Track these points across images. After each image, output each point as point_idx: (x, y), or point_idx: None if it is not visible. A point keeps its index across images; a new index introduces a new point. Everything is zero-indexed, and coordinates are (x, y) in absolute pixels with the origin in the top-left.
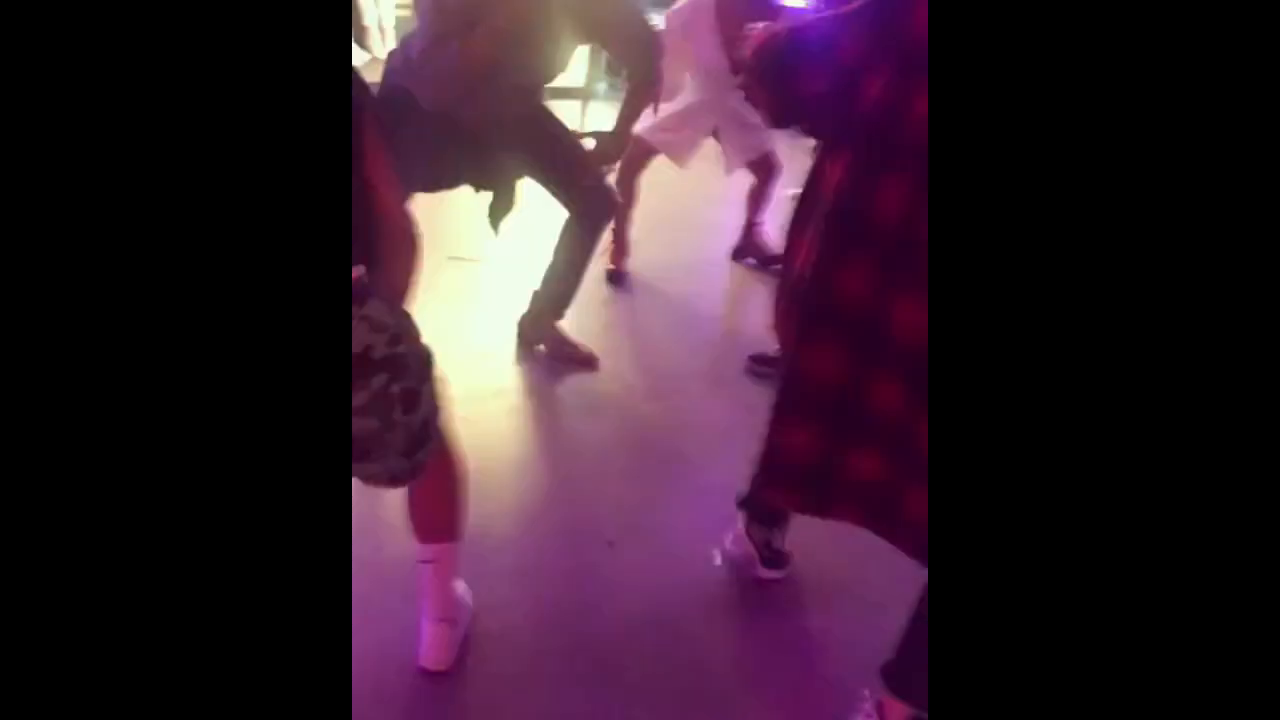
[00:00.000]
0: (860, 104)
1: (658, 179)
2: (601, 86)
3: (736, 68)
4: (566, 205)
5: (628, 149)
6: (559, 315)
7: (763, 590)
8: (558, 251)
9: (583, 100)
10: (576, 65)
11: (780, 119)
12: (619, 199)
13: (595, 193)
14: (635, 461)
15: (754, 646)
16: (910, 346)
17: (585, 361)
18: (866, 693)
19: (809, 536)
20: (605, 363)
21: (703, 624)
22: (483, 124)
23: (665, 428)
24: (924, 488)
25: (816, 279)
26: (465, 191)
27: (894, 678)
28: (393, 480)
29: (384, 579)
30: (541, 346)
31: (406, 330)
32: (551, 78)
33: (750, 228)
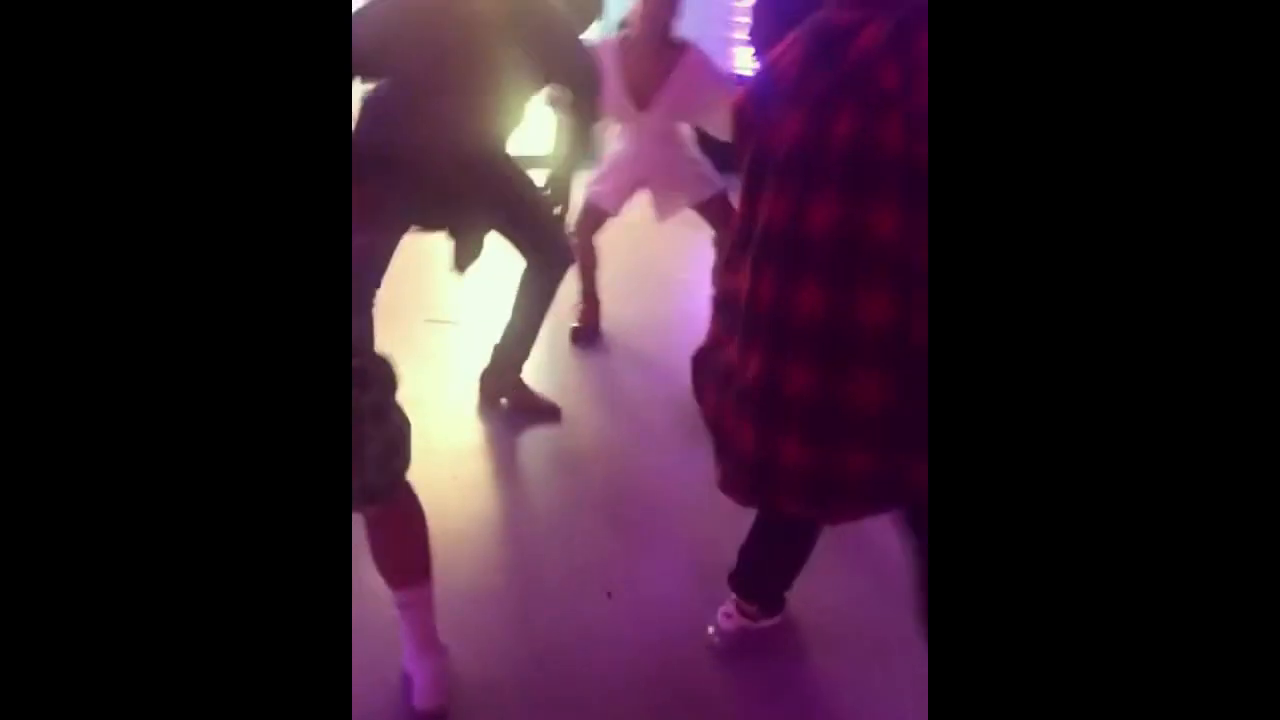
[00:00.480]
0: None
1: (630, 238)
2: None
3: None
4: (526, 255)
5: (579, 210)
6: (520, 367)
7: (760, 636)
8: (517, 304)
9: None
10: (547, 131)
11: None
12: (575, 254)
13: (554, 243)
14: (620, 515)
15: (755, 691)
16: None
17: (548, 413)
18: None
19: (804, 581)
20: (584, 420)
21: (701, 671)
22: (450, 173)
23: (649, 482)
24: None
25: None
26: (441, 255)
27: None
28: (371, 498)
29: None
30: (504, 400)
31: (365, 342)
32: (514, 125)
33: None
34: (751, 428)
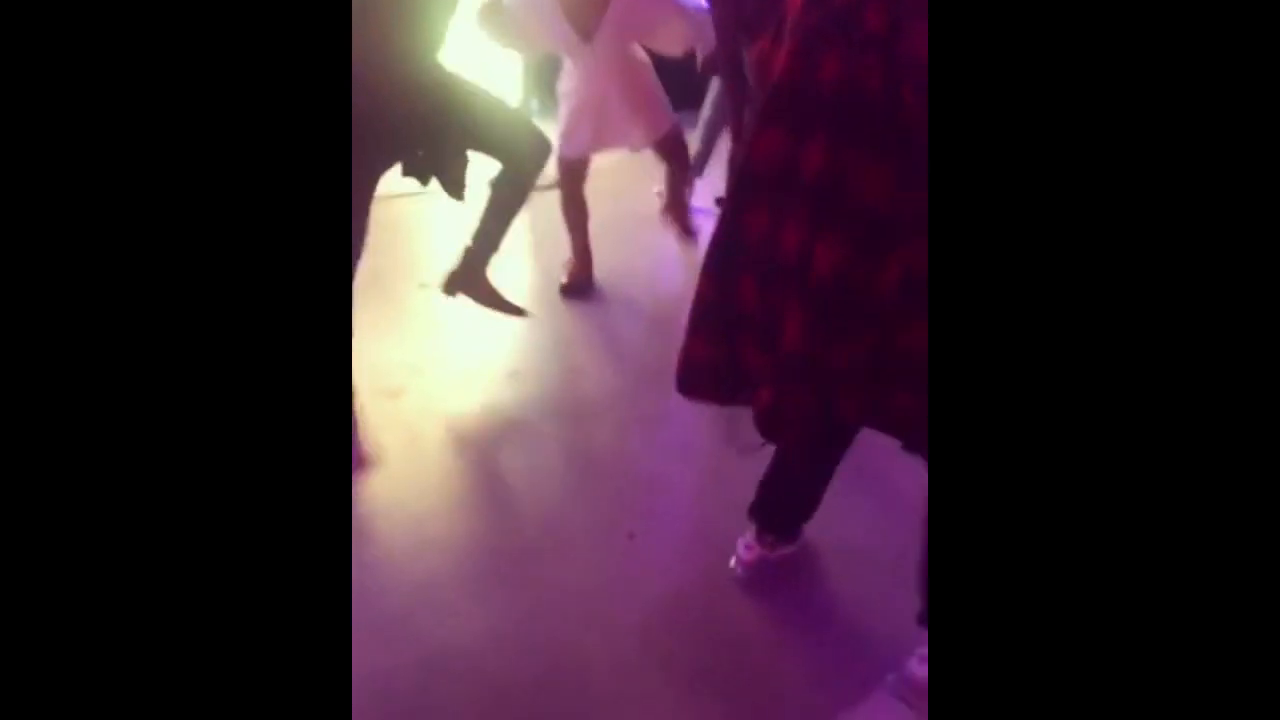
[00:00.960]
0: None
1: (606, 182)
2: (534, 103)
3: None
4: (500, 155)
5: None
6: (486, 264)
7: (779, 564)
8: (490, 201)
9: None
10: (510, 86)
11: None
12: (550, 145)
13: (519, 140)
14: (630, 461)
15: (775, 614)
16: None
17: (516, 311)
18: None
19: (820, 510)
20: (589, 370)
21: (725, 599)
22: (389, 98)
23: (654, 426)
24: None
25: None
26: (430, 220)
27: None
28: None
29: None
30: (461, 294)
31: None
32: (440, 39)
33: (668, 207)
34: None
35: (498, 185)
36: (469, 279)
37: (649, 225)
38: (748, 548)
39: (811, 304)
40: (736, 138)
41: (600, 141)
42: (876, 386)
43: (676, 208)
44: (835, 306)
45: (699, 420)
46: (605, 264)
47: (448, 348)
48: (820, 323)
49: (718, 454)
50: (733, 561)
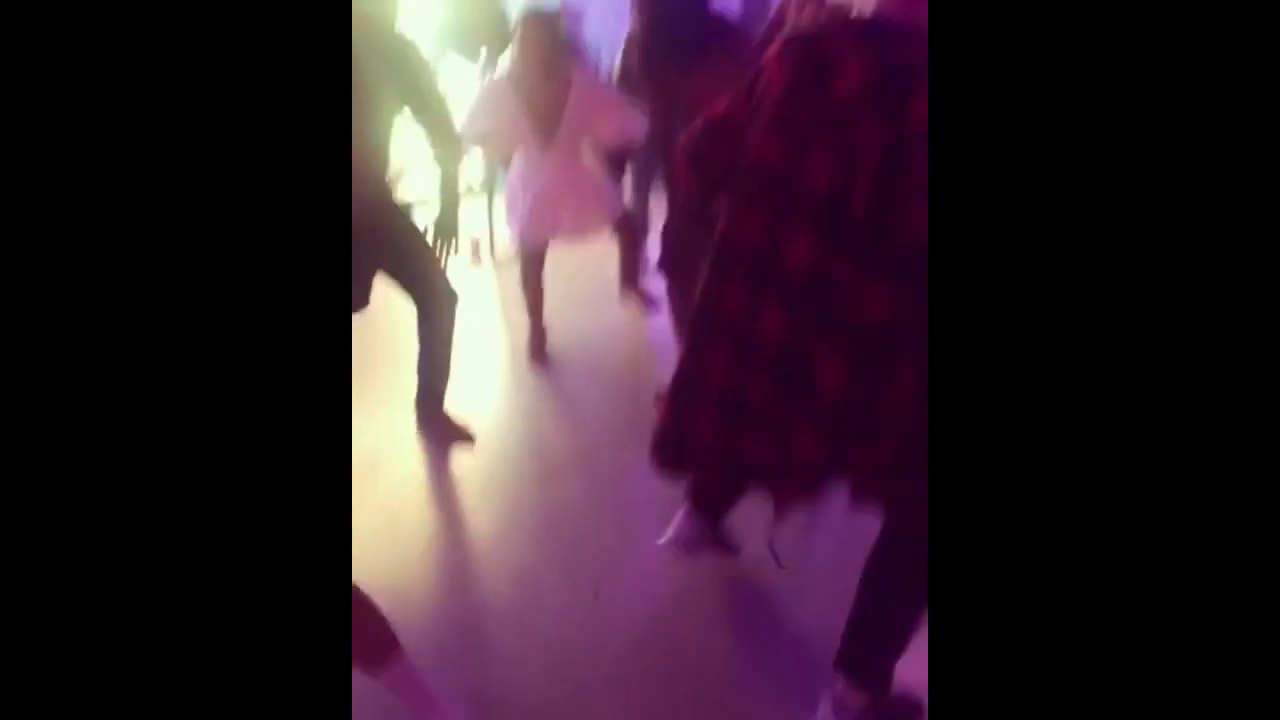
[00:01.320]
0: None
1: (564, 254)
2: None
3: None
4: (414, 294)
5: (520, 252)
6: (439, 399)
7: (733, 590)
8: (420, 341)
9: (488, 195)
10: (476, 163)
11: (708, 198)
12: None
13: (434, 291)
14: (602, 518)
15: (755, 658)
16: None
17: (464, 438)
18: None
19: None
20: (552, 434)
21: (695, 635)
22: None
23: (616, 483)
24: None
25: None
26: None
27: (849, 664)
28: None
29: None
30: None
31: None
32: (384, 166)
33: (625, 285)
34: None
35: (419, 327)
36: (423, 409)
37: (602, 293)
38: (679, 524)
39: (825, 414)
40: (672, 214)
41: (556, 231)
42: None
43: (632, 285)
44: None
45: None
46: (563, 331)
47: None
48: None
49: (677, 506)
50: (664, 538)
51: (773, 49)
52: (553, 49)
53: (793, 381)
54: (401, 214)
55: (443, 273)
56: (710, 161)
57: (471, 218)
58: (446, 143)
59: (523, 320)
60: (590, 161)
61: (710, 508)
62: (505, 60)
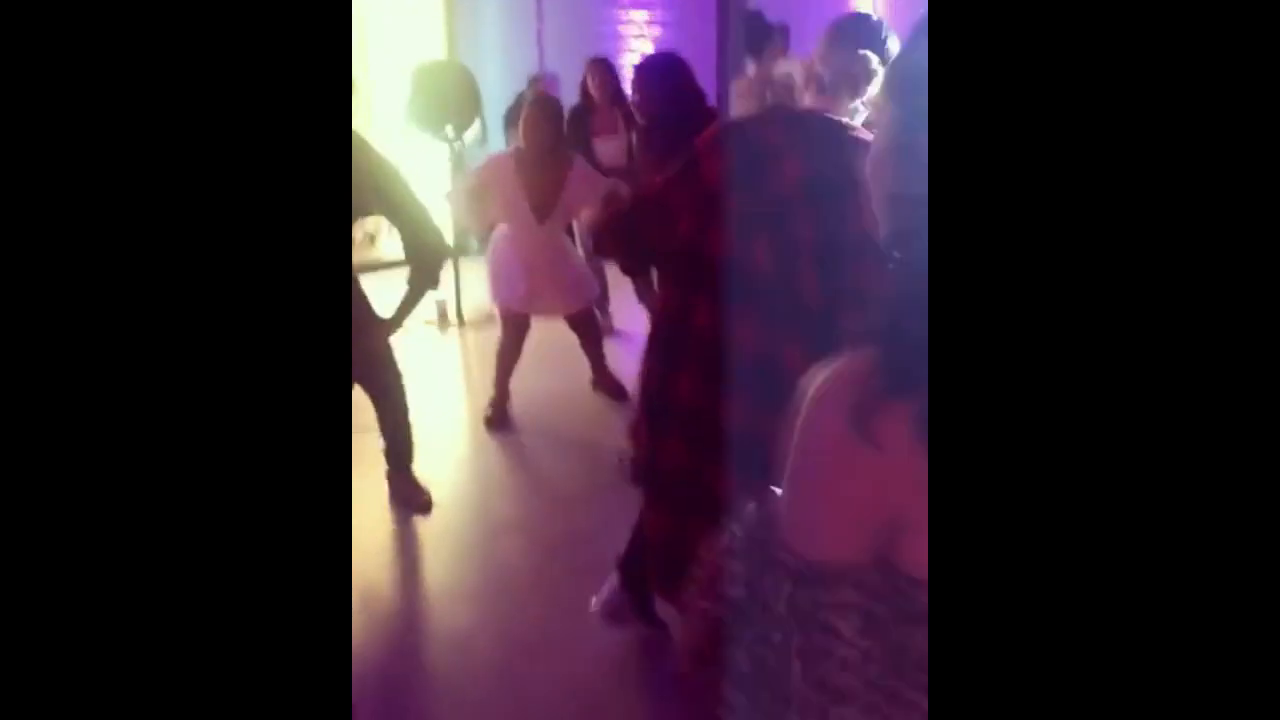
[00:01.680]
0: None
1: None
2: (474, 243)
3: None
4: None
5: (502, 320)
6: (404, 465)
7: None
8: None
9: (453, 257)
10: (443, 225)
11: (633, 270)
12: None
13: (384, 370)
14: (556, 579)
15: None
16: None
17: (423, 507)
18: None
19: None
20: (509, 495)
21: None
22: None
23: (572, 540)
24: None
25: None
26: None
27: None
28: None
29: None
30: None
31: None
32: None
33: (595, 380)
34: None
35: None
36: (391, 477)
37: (561, 358)
38: (610, 592)
39: None
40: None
41: (533, 302)
42: None
43: (602, 378)
44: None
45: (616, 542)
46: (525, 394)
47: (371, 485)
48: None
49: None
50: (594, 604)
51: (708, 135)
52: (556, 134)
53: (749, 466)
54: (366, 307)
55: (390, 354)
56: (640, 239)
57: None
58: (425, 247)
59: (486, 383)
60: (571, 242)
61: (638, 582)
62: (472, 135)
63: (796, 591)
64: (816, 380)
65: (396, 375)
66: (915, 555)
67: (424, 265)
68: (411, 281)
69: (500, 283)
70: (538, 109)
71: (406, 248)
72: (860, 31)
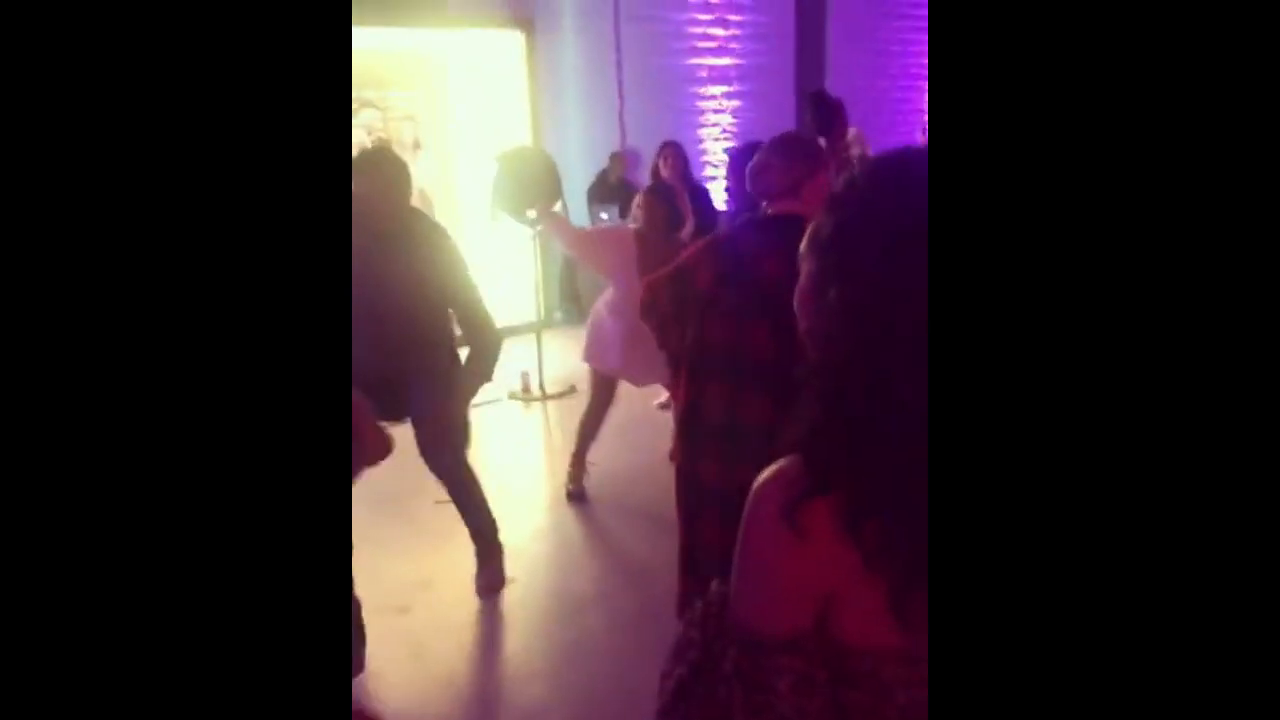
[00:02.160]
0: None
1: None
2: (558, 315)
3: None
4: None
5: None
6: (491, 540)
7: None
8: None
9: (537, 331)
10: (527, 299)
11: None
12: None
13: (443, 461)
14: (621, 657)
15: None
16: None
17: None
18: None
19: None
20: (584, 569)
21: None
22: (388, 374)
23: (645, 621)
24: None
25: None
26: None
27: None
28: None
29: None
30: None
31: None
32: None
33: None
34: None
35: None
36: (488, 570)
37: (639, 429)
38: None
39: None
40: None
41: (628, 369)
42: None
43: None
44: None
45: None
46: (605, 466)
47: (455, 561)
48: None
49: None
50: None
51: (694, 248)
52: (669, 218)
53: None
54: (450, 388)
55: (459, 457)
56: (670, 299)
57: (520, 352)
58: (479, 332)
59: (565, 452)
60: None
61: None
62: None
63: (741, 656)
64: (758, 481)
65: (474, 479)
66: (847, 625)
67: (483, 360)
68: (469, 376)
69: (600, 346)
70: (653, 196)
71: (467, 339)
72: None
